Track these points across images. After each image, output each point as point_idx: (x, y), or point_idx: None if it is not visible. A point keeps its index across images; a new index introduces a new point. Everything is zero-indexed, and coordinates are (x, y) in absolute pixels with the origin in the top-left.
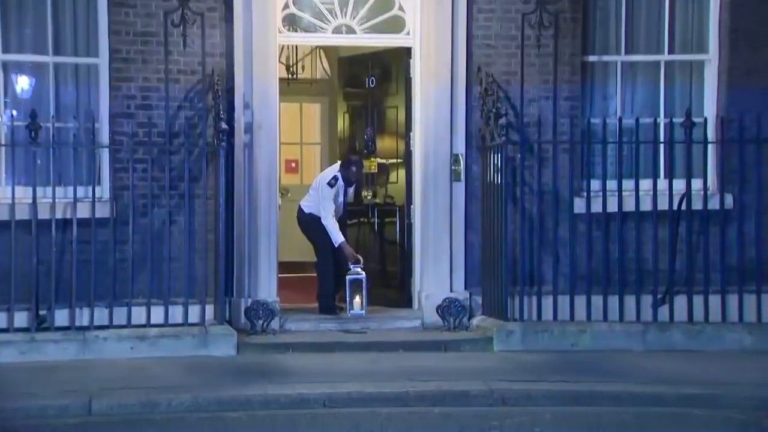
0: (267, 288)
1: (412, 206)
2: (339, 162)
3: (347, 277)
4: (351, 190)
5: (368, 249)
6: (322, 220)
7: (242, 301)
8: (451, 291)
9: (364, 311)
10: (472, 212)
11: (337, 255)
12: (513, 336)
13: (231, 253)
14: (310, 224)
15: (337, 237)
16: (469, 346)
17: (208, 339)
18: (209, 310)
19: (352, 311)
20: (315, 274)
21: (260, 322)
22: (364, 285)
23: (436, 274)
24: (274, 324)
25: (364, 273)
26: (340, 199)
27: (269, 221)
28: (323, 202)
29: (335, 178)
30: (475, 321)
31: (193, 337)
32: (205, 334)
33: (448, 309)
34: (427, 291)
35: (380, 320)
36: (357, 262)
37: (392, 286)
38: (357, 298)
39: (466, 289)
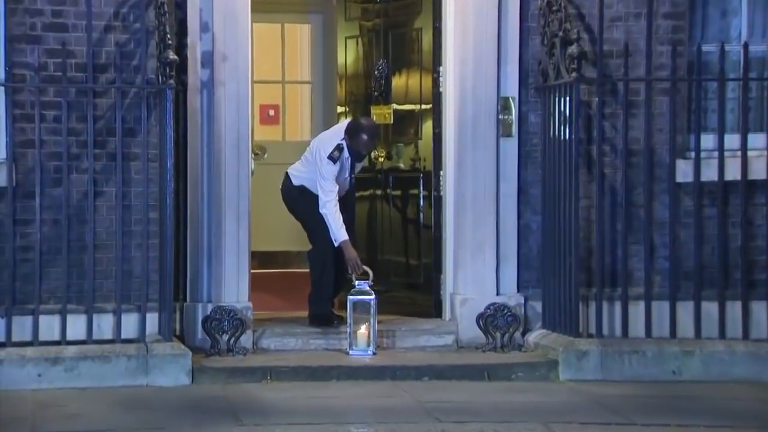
0: (235, 289)
1: (442, 173)
2: (344, 124)
3: (349, 298)
4: (360, 164)
5: (381, 233)
6: (321, 207)
7: (199, 307)
8: (498, 294)
9: (371, 350)
10: (529, 181)
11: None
12: (587, 359)
13: (183, 240)
14: (300, 200)
15: (339, 233)
16: (524, 373)
17: (151, 361)
18: (151, 320)
19: (353, 350)
20: (304, 270)
21: (225, 337)
22: (372, 310)
23: (477, 269)
24: (245, 340)
25: (373, 294)
26: (345, 175)
27: (238, 194)
28: (322, 182)
29: (339, 148)
30: (532, 337)
31: (128, 359)
32: (145, 354)
33: (493, 320)
34: (463, 294)
35: (397, 335)
36: (364, 276)
37: (414, 286)
38: (362, 329)
39: (519, 291)
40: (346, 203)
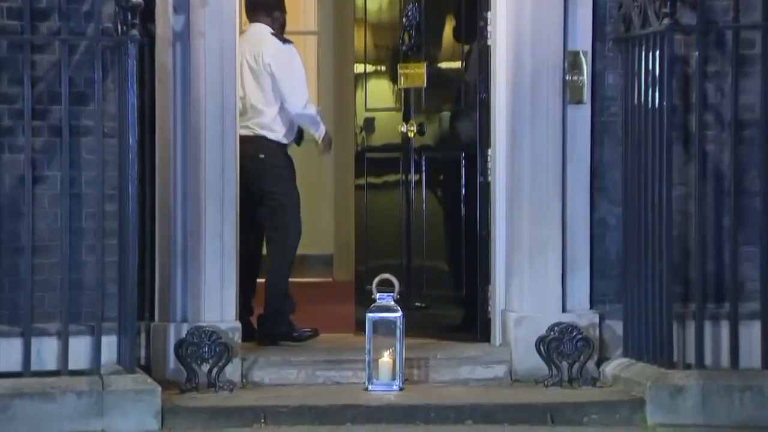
0: (218, 304)
1: (490, 152)
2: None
3: (368, 316)
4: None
5: (410, 231)
6: (302, 109)
7: (171, 328)
8: (565, 311)
9: (397, 384)
10: (606, 162)
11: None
12: (684, 396)
13: (150, 240)
14: (276, 164)
15: (321, 126)
16: (600, 416)
17: (107, 399)
18: (109, 345)
19: (374, 383)
20: (313, 279)
21: (205, 367)
22: (399, 332)
23: (537, 279)
24: (232, 371)
25: (399, 311)
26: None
27: (222, 179)
28: (292, 80)
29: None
30: (609, 367)
31: (78, 397)
32: (100, 390)
33: (558, 345)
34: (518, 311)
35: (431, 365)
36: (387, 287)
37: (454, 301)
38: (386, 357)
39: (592, 307)
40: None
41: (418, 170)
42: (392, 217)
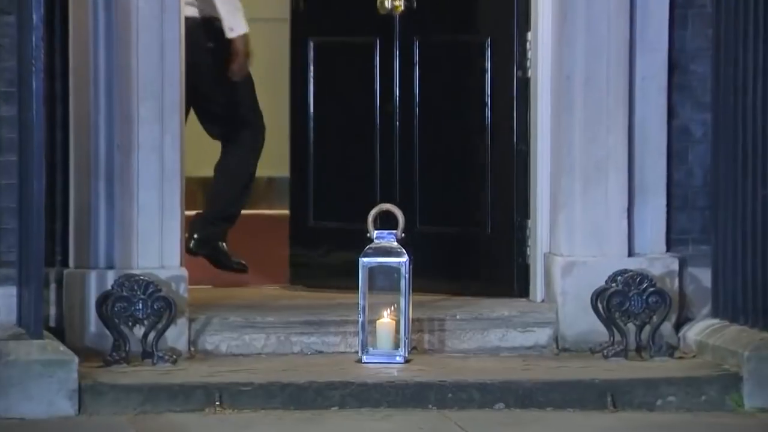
0: (156, 245)
1: (530, 36)
2: None
3: (361, 261)
4: None
5: (411, 147)
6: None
7: (92, 277)
8: (632, 254)
9: (401, 353)
10: (689, 50)
11: None
12: None
13: (63, 156)
14: (205, 49)
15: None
16: (678, 397)
17: (3, 375)
18: (4, 299)
19: (369, 353)
20: (283, 211)
21: (139, 330)
22: (404, 283)
23: (593, 210)
24: (176, 335)
25: (405, 255)
26: None
27: (161, 73)
28: None
29: None
30: (692, 332)
31: None
32: None
33: (622, 301)
34: (567, 254)
35: (448, 328)
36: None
37: (479, 241)
38: (386, 318)
39: (669, 250)
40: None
41: (406, 60)
42: (379, 122)
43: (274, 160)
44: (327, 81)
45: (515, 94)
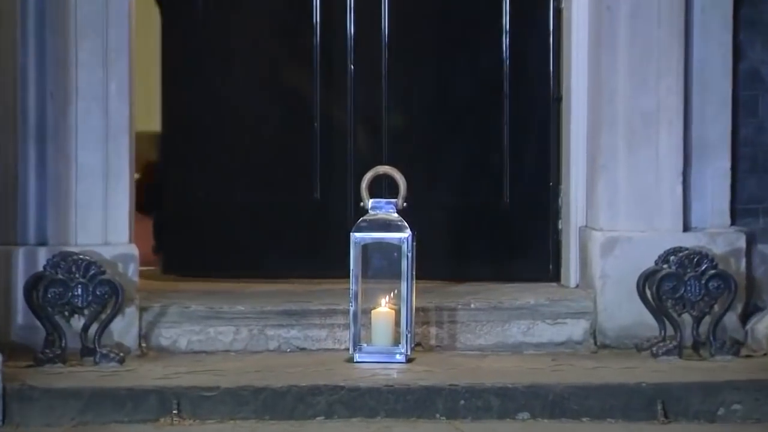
0: (99, 217)
1: None
2: None
3: (353, 236)
4: None
5: (410, 94)
6: None
7: (18, 257)
8: (687, 228)
9: (402, 350)
10: None
11: None
12: None
13: None
14: None
15: None
16: (746, 405)
17: None
18: None
19: (362, 351)
20: None
21: (78, 322)
22: (406, 264)
23: (640, 174)
24: (125, 328)
25: (408, 230)
26: None
27: (105, 8)
28: None
29: None
30: (763, 324)
31: None
32: None
33: (675, 286)
34: (608, 228)
35: (460, 320)
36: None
37: (492, 211)
38: (383, 308)
39: (735, 223)
40: None
41: None
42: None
43: None
44: None
45: (546, 28)
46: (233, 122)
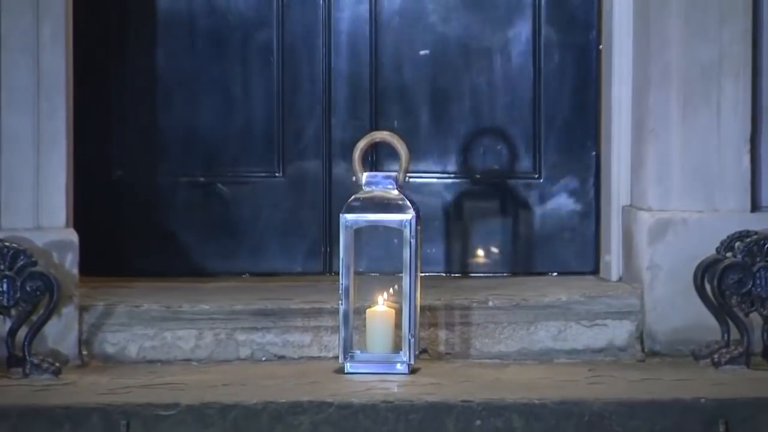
0: (30, 196)
1: None
2: None
3: (344, 219)
4: None
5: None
6: None
7: None
8: (756, 208)
9: (403, 358)
10: None
11: None
12: None
13: None
14: None
15: None
16: None
17: None
18: None
19: (354, 360)
20: None
21: (6, 324)
22: (410, 251)
23: (697, 140)
24: (61, 332)
25: (411, 210)
26: None
27: None
28: None
29: None
30: None
31: None
32: None
33: (742, 279)
34: (658, 207)
35: (474, 321)
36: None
37: (519, 186)
38: (380, 306)
39: None
40: None
41: None
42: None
43: None
44: None
45: None
46: None
